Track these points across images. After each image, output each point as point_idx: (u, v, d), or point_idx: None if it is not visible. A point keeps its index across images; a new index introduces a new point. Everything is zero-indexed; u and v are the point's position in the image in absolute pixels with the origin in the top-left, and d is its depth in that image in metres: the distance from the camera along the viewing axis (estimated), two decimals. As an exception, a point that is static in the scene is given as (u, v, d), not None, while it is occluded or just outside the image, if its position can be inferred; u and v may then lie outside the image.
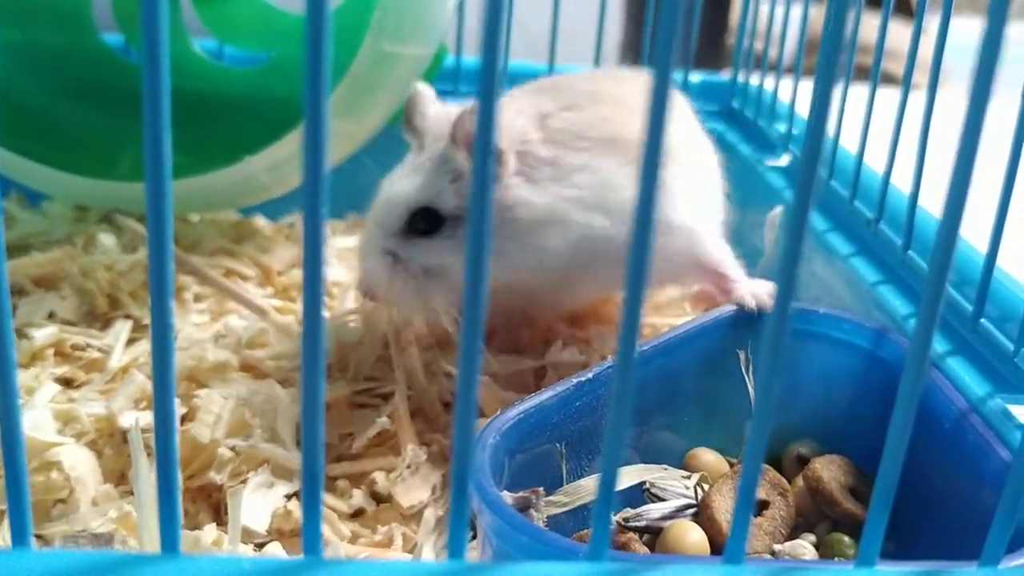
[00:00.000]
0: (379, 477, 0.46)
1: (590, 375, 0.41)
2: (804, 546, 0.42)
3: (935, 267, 0.25)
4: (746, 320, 0.48)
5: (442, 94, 0.78)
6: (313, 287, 0.23)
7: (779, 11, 0.76)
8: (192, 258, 0.64)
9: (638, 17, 1.13)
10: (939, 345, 0.47)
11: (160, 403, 0.24)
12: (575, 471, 0.42)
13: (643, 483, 0.43)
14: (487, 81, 0.22)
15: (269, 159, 0.66)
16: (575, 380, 0.41)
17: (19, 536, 0.25)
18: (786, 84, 0.74)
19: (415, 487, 0.45)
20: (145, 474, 0.40)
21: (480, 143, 0.22)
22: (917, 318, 0.26)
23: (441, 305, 0.50)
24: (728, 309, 0.48)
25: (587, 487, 0.40)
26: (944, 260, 0.25)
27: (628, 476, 0.43)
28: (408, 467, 0.45)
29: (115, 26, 0.73)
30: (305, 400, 0.24)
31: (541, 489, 0.37)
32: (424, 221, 0.49)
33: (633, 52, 1.17)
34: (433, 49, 0.66)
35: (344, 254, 0.70)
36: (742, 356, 0.48)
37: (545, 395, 0.40)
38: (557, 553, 0.32)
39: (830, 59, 0.23)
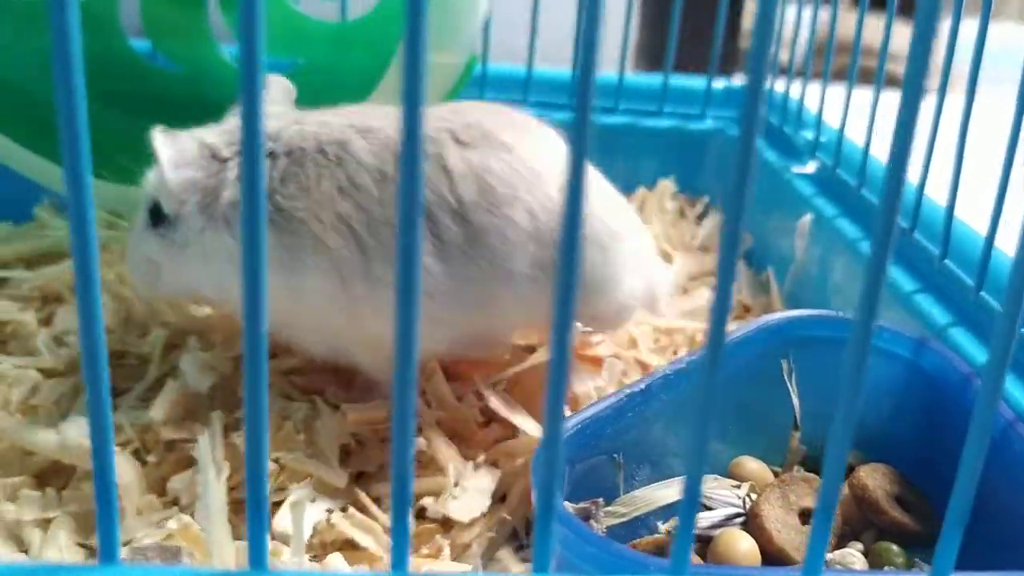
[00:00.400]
0: (428, 502, 0.45)
1: (642, 386, 0.42)
2: (853, 554, 0.42)
3: (1008, 305, 0.25)
4: (789, 329, 0.48)
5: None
6: (407, 311, 0.23)
7: (806, 14, 0.75)
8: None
9: (656, 21, 1.14)
10: (982, 355, 0.47)
11: (252, 416, 0.24)
12: (627, 481, 0.42)
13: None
14: (583, 95, 0.22)
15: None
16: (627, 391, 0.41)
17: (107, 552, 0.25)
18: (812, 90, 0.74)
19: (468, 504, 0.44)
20: (214, 487, 0.40)
21: (575, 159, 0.23)
22: (989, 351, 0.26)
23: (150, 293, 0.53)
24: (771, 318, 0.48)
25: (643, 498, 0.40)
26: (1015, 302, 0.26)
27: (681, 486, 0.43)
28: (456, 485, 0.45)
29: (141, 32, 0.73)
30: (396, 423, 0.24)
31: (601, 500, 0.37)
32: (155, 214, 0.50)
33: (649, 56, 1.17)
34: (464, 58, 0.66)
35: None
36: (785, 365, 0.48)
37: (600, 406, 0.40)
38: (624, 564, 0.32)
39: (915, 83, 0.23)
